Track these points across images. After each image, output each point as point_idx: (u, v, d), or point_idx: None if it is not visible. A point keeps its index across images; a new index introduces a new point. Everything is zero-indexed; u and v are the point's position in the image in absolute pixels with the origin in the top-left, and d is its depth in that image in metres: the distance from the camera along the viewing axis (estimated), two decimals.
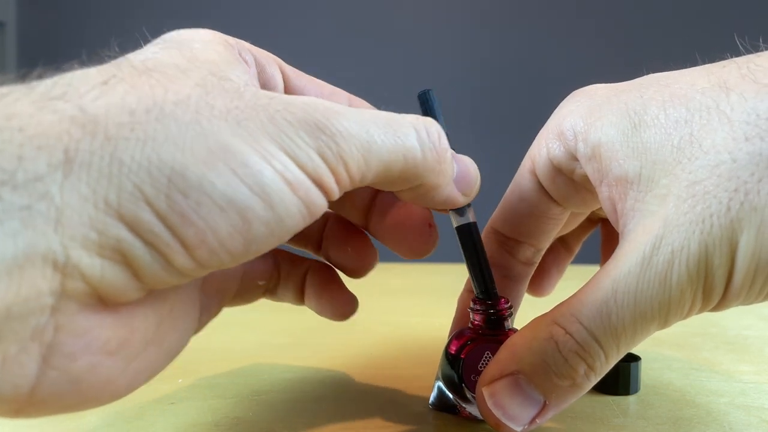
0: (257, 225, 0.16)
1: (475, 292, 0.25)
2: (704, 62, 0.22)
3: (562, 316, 0.20)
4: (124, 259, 0.14)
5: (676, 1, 1.51)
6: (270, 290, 0.27)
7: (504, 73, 1.54)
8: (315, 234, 0.27)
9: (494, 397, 0.21)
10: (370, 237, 0.26)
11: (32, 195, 0.13)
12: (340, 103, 0.24)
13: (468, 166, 0.23)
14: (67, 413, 0.16)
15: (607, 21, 1.54)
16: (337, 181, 0.17)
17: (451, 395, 0.25)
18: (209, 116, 0.16)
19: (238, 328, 0.43)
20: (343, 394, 0.29)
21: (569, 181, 0.24)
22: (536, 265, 0.28)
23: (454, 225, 0.25)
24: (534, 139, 0.26)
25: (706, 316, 0.46)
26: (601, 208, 0.23)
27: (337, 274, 0.27)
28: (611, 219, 0.22)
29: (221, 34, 0.21)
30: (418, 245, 0.24)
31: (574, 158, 0.23)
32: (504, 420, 0.21)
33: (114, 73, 0.16)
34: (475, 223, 0.25)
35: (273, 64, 0.23)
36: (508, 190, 0.27)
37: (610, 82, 0.24)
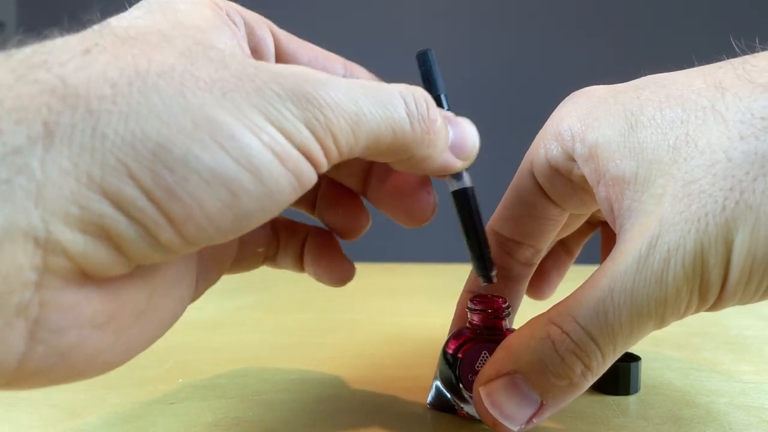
0: (246, 199, 0.15)
1: (471, 260, 0.25)
2: (701, 64, 0.22)
3: (559, 316, 0.20)
4: (107, 234, 0.14)
5: (674, 3, 1.51)
6: (270, 258, 0.27)
7: (504, 73, 1.54)
8: (309, 195, 0.27)
9: (491, 396, 0.21)
10: (368, 204, 0.26)
11: (11, 168, 0.13)
12: (335, 68, 0.24)
13: (465, 130, 0.22)
14: (58, 384, 0.16)
15: (605, 22, 1.54)
16: (326, 154, 0.17)
17: (448, 395, 0.25)
18: (194, 88, 0.15)
19: (238, 328, 0.43)
20: (343, 394, 0.29)
21: (567, 181, 0.24)
22: (536, 266, 0.28)
23: (450, 189, 0.24)
24: (533, 140, 0.26)
25: (707, 316, 0.46)
26: (600, 209, 0.23)
27: (336, 241, 0.27)
28: (608, 219, 0.22)
29: None
30: (416, 212, 0.24)
31: (572, 159, 0.23)
32: (501, 419, 0.21)
33: (96, 41, 0.16)
34: (472, 188, 0.24)
35: (263, 26, 0.22)
36: (507, 191, 0.27)
37: (609, 83, 0.24)
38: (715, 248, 0.17)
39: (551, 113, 0.25)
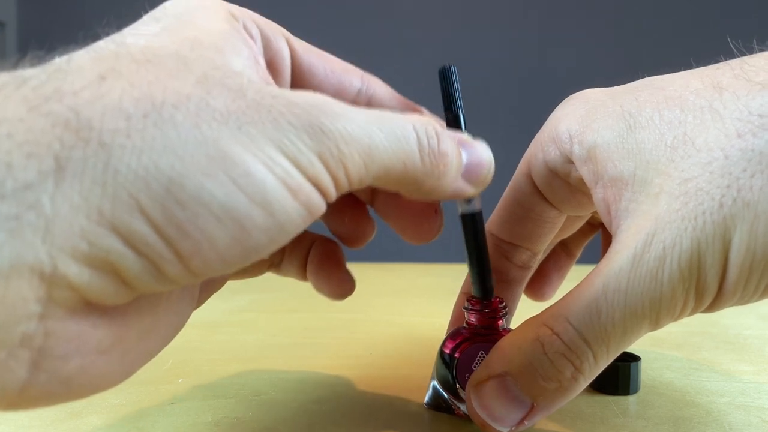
0: (257, 234, 0.15)
1: (471, 283, 0.25)
2: (699, 65, 0.22)
3: (551, 317, 0.20)
4: (113, 268, 0.14)
5: (672, 6, 1.51)
6: (275, 264, 0.27)
7: (503, 73, 1.54)
8: None
9: (481, 398, 0.21)
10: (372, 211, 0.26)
11: (21, 204, 0.13)
12: (352, 82, 0.24)
13: (480, 156, 0.22)
14: (59, 404, 0.16)
15: (604, 23, 1.54)
16: (336, 185, 0.17)
17: (445, 395, 0.25)
18: (209, 120, 0.15)
19: (238, 328, 0.43)
20: (342, 394, 0.29)
21: (565, 184, 0.24)
22: (533, 269, 0.28)
23: (459, 211, 0.24)
24: (531, 140, 0.26)
25: (707, 315, 0.46)
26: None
27: (340, 253, 0.27)
28: (605, 220, 0.21)
29: (225, 3, 0.20)
30: (423, 231, 0.24)
31: (570, 162, 0.23)
32: (489, 421, 0.20)
33: (112, 65, 0.15)
34: (480, 212, 0.24)
35: (280, 37, 0.22)
36: (504, 194, 0.27)
37: (607, 83, 0.24)
38: (713, 247, 0.17)
39: (548, 114, 0.25)
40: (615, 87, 0.23)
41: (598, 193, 0.21)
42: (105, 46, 0.16)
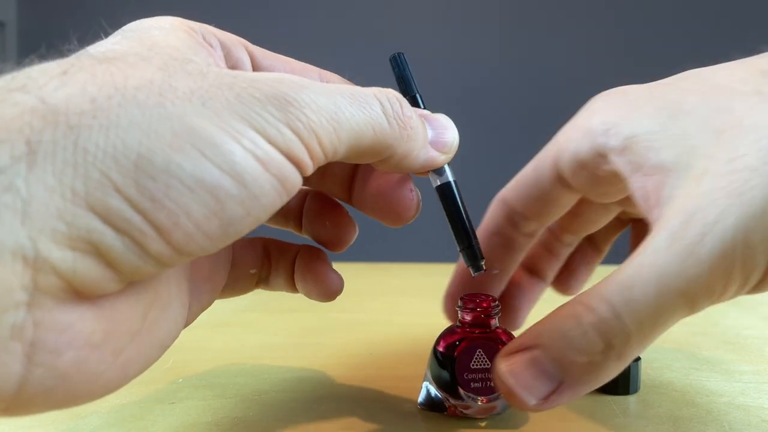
0: (231, 205, 0.15)
1: (458, 250, 0.25)
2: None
3: (586, 295, 0.19)
4: (96, 249, 0.14)
5: (681, 15, 1.51)
6: (263, 279, 0.27)
7: (501, 73, 1.54)
8: (295, 211, 0.27)
9: (510, 365, 0.20)
10: (354, 212, 0.27)
11: None
12: (311, 78, 0.24)
13: (443, 124, 0.23)
14: (59, 409, 0.16)
15: (609, 23, 1.54)
16: (311, 155, 0.17)
17: (440, 394, 0.26)
18: (173, 98, 0.15)
19: (238, 328, 0.43)
20: (342, 394, 0.29)
21: (593, 176, 0.24)
22: (536, 237, 0.29)
23: (434, 185, 0.25)
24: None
25: (707, 315, 0.46)
26: (625, 202, 0.22)
27: (325, 256, 0.27)
28: (642, 209, 0.21)
29: (183, 19, 0.21)
30: (400, 210, 0.24)
31: (600, 155, 0.23)
32: (517, 389, 0.19)
33: (73, 62, 0.16)
34: (455, 182, 0.25)
35: (239, 46, 0.23)
36: (525, 172, 0.28)
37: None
38: (762, 223, 0.16)
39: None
40: (655, 81, 0.23)
41: (636, 182, 0.21)
42: (68, 55, 0.17)
